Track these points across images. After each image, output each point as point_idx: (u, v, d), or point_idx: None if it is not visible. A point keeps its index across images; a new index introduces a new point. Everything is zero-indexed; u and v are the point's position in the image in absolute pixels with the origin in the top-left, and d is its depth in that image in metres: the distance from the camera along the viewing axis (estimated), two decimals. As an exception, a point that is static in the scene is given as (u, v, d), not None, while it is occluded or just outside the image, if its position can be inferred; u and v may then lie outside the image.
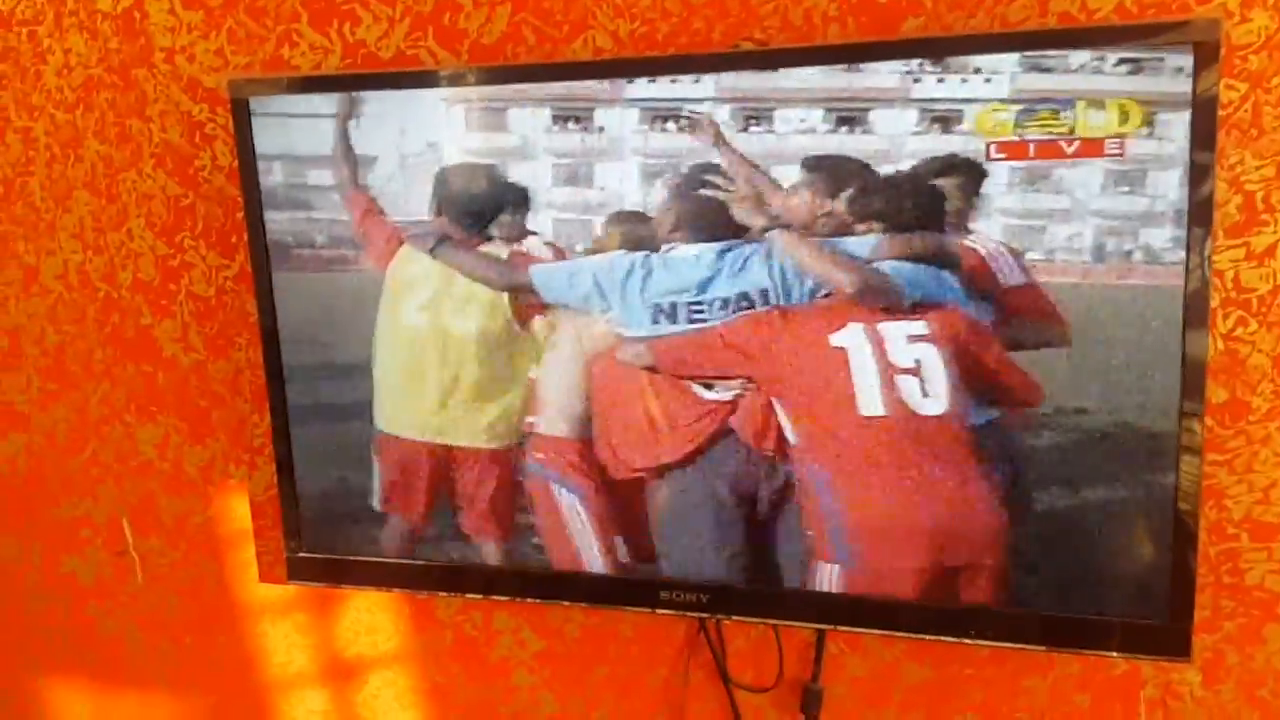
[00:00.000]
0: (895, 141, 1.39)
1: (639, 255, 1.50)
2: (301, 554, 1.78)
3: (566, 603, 1.69)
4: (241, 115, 1.63)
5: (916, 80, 1.37)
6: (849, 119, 1.41)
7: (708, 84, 1.44)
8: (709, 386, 1.53)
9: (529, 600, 1.70)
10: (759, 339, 1.48)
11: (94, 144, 1.85)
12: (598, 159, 1.50)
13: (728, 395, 1.52)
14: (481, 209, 1.57)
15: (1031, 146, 1.34)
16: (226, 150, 1.76)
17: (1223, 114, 1.32)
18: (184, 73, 1.77)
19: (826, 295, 1.44)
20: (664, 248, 1.49)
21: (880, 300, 1.43)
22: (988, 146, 1.35)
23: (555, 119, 1.51)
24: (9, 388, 2.04)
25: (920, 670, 1.68)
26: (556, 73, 1.52)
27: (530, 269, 1.56)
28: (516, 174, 1.54)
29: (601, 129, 1.49)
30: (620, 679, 1.84)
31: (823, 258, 1.44)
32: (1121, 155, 1.30)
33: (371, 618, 1.95)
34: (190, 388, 1.92)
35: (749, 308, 1.48)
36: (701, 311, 1.49)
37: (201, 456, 1.95)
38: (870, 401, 1.45)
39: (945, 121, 1.37)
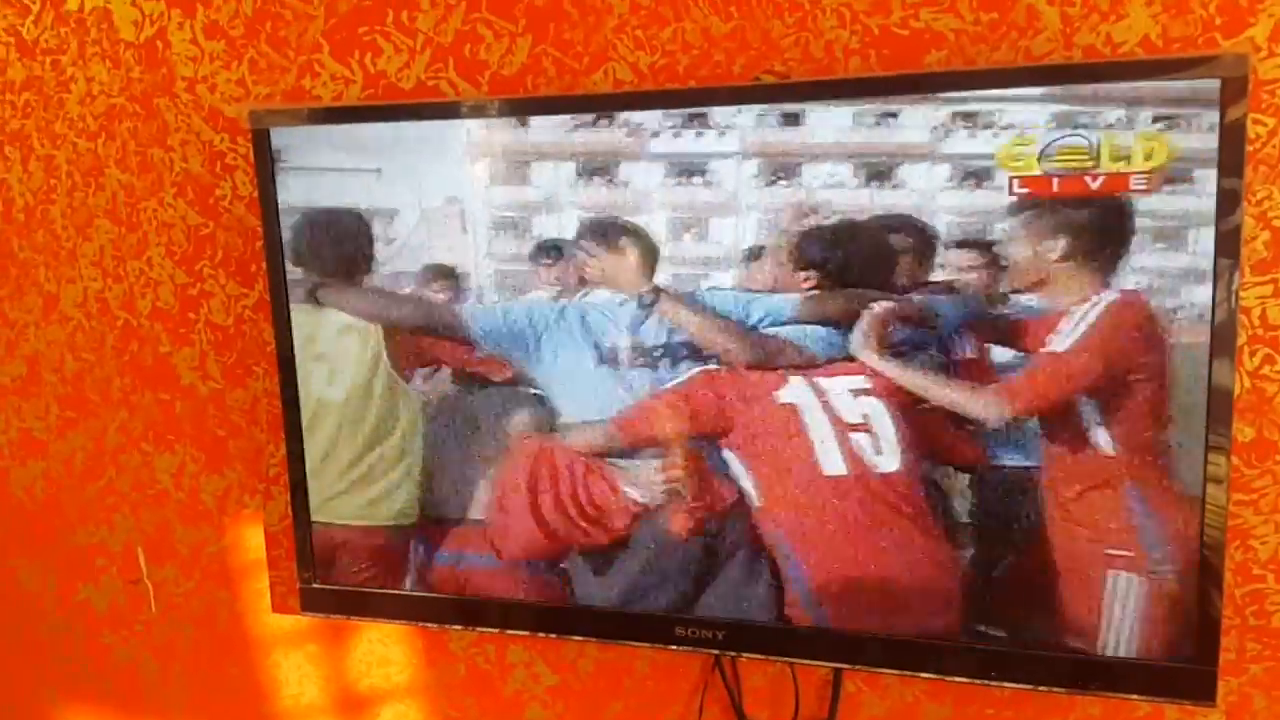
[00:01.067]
0: (926, 196, 1.38)
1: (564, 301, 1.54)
2: (315, 585, 1.77)
3: (580, 637, 1.68)
4: (262, 146, 1.63)
5: (948, 133, 1.36)
6: (880, 173, 1.40)
7: (732, 139, 1.44)
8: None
9: (543, 635, 1.68)
10: (715, 398, 1.48)
11: (115, 172, 1.86)
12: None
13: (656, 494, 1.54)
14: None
15: (1055, 181, 1.32)
16: (246, 180, 1.76)
17: (1250, 149, 1.31)
18: (205, 102, 1.78)
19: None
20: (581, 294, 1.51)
21: (784, 361, 1.43)
22: (1010, 181, 1.34)
23: (580, 173, 1.51)
24: (28, 415, 2.04)
25: (939, 710, 1.65)
26: (577, 105, 1.52)
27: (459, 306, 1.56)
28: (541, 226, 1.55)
29: (627, 183, 1.49)
30: (634, 715, 1.82)
31: (705, 324, 1.44)
32: (1147, 191, 1.29)
33: (385, 650, 1.94)
34: (208, 417, 1.91)
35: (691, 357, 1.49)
36: (647, 359, 1.49)
37: (218, 486, 1.95)
38: (830, 460, 1.45)
39: (977, 176, 1.36)
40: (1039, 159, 1.32)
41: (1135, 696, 1.44)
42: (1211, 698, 1.38)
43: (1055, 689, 1.45)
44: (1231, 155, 1.25)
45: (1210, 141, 1.25)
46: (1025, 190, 1.34)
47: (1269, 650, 1.49)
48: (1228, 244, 1.26)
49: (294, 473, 1.74)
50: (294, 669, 2.01)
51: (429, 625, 1.82)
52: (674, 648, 1.59)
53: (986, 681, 1.47)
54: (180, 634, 2.06)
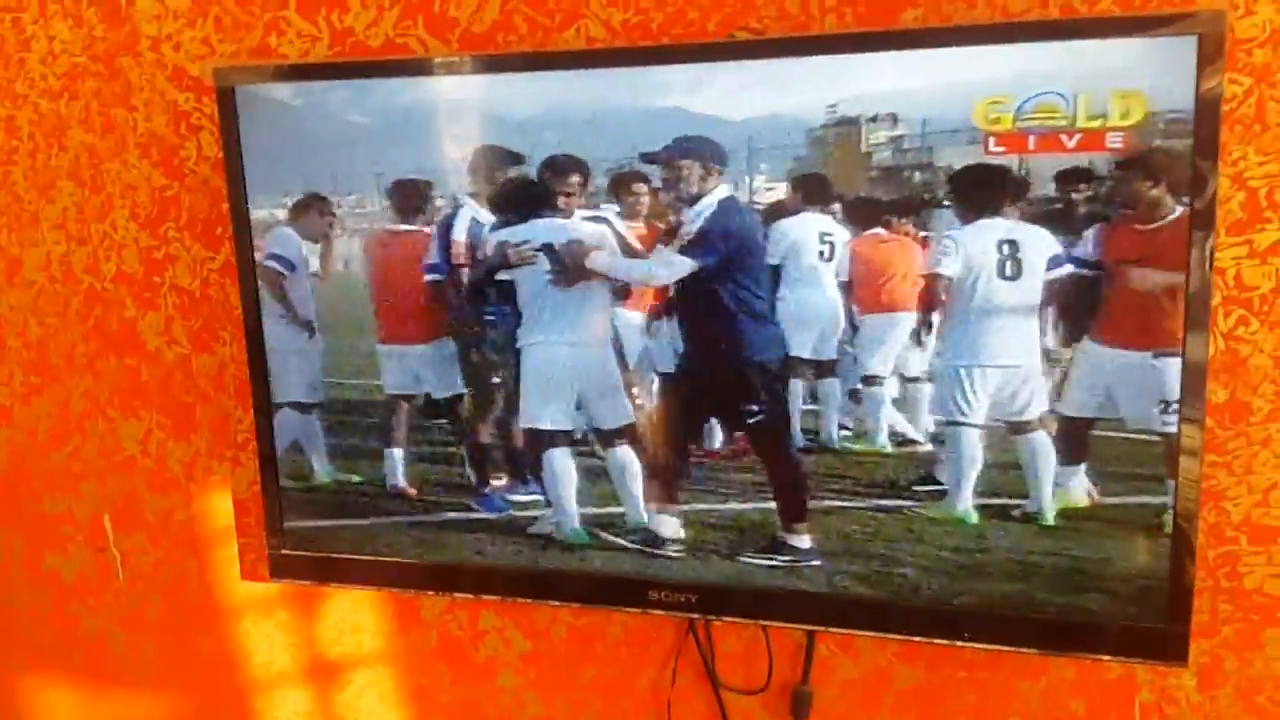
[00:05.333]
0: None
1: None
2: (284, 551, 1.75)
3: (554, 603, 1.67)
4: (227, 104, 1.60)
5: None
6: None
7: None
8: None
9: (516, 600, 1.67)
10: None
11: (78, 133, 1.83)
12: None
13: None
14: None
15: (1031, 139, 1.31)
16: (212, 140, 1.73)
17: (1226, 109, 1.30)
18: (170, 61, 1.75)
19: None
20: None
21: None
22: (986, 139, 1.32)
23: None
24: (-10, 381, 2.02)
25: (912, 673, 1.65)
26: (548, 62, 1.50)
27: None
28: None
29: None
30: (607, 680, 1.81)
31: None
32: (1123, 149, 1.28)
33: (356, 617, 1.92)
34: (174, 383, 1.89)
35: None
36: None
37: (185, 452, 1.92)
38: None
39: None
40: (1014, 117, 1.31)
41: (1108, 658, 1.44)
42: (1184, 659, 1.38)
43: (1028, 650, 1.45)
44: (1207, 113, 1.24)
45: (1186, 100, 1.24)
46: (1002, 149, 1.32)
47: (1240, 612, 1.49)
48: (1204, 211, 1.26)
49: (262, 440, 1.72)
50: (264, 637, 1.99)
51: (401, 591, 1.81)
52: (648, 612, 1.58)
53: (959, 643, 1.47)
54: (149, 603, 2.04)
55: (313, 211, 1.61)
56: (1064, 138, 1.30)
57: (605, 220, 1.51)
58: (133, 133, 1.79)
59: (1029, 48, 1.31)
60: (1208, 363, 1.32)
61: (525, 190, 1.52)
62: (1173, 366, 1.31)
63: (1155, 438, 1.35)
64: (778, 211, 1.46)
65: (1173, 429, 1.32)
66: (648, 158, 1.45)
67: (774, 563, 1.52)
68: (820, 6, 1.45)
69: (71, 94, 1.81)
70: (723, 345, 1.53)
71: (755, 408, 1.53)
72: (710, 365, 1.55)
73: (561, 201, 1.51)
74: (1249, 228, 1.36)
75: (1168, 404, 1.32)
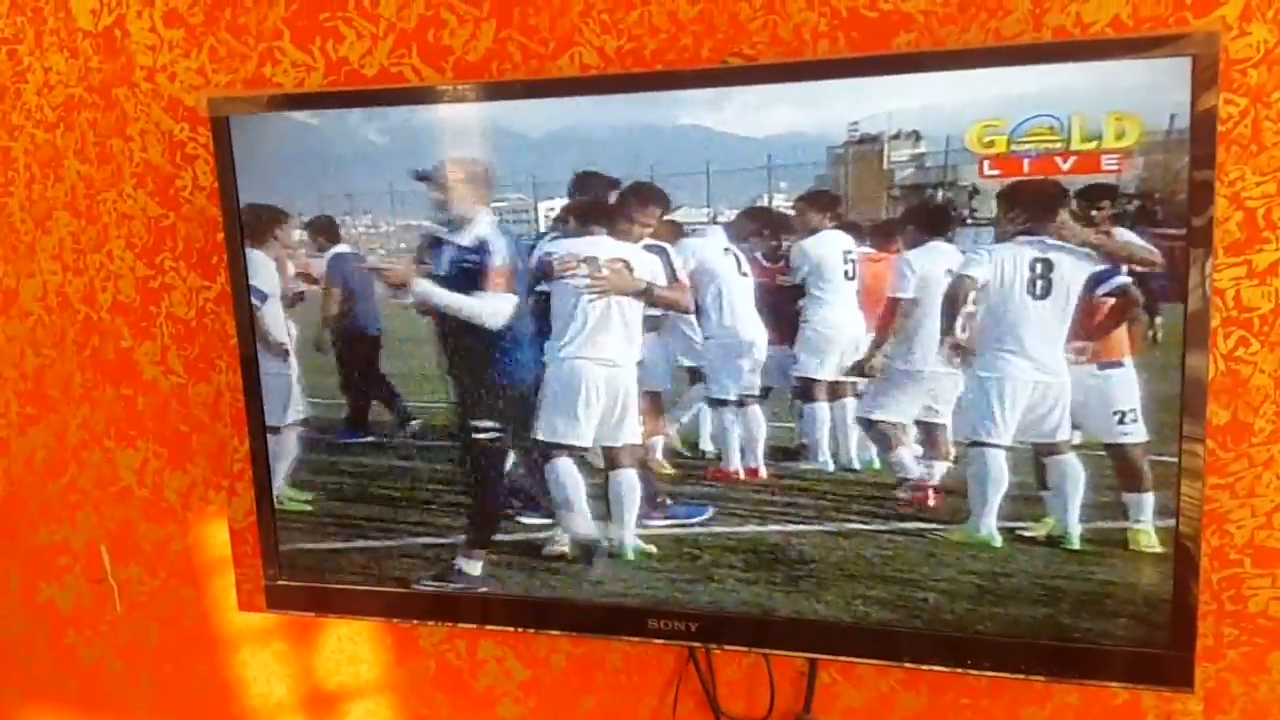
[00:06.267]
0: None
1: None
2: (281, 582, 1.74)
3: (554, 632, 1.65)
4: (222, 134, 1.60)
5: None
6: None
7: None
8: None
9: (515, 629, 1.66)
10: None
11: (74, 164, 1.82)
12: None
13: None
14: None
15: (1026, 162, 1.31)
16: (207, 170, 1.73)
17: (1222, 129, 1.29)
18: (165, 91, 1.75)
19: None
20: None
21: None
22: (980, 162, 1.32)
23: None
24: (-13, 412, 2.01)
25: (915, 700, 1.63)
26: (543, 89, 1.50)
27: None
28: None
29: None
30: (608, 709, 1.79)
31: None
32: (1119, 172, 1.27)
33: (353, 647, 1.91)
34: (170, 412, 1.88)
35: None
36: None
37: (181, 482, 1.91)
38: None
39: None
40: (1009, 140, 1.31)
41: (1112, 684, 1.42)
42: (1189, 684, 1.37)
43: (1031, 677, 1.44)
44: (1203, 134, 1.23)
45: (1182, 121, 1.24)
46: (996, 172, 1.32)
47: (1245, 636, 1.48)
48: (1201, 228, 1.25)
49: (258, 468, 1.71)
50: (262, 667, 1.98)
51: (399, 621, 1.79)
52: (648, 640, 1.56)
53: (962, 670, 1.45)
54: (145, 633, 2.02)
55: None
56: (1059, 160, 1.29)
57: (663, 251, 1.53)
58: (129, 163, 1.79)
59: (1023, 71, 1.30)
60: (1208, 384, 1.31)
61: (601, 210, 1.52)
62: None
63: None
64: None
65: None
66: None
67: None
68: (813, 32, 1.45)
69: (67, 125, 1.81)
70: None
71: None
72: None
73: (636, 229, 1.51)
74: (1247, 248, 1.36)
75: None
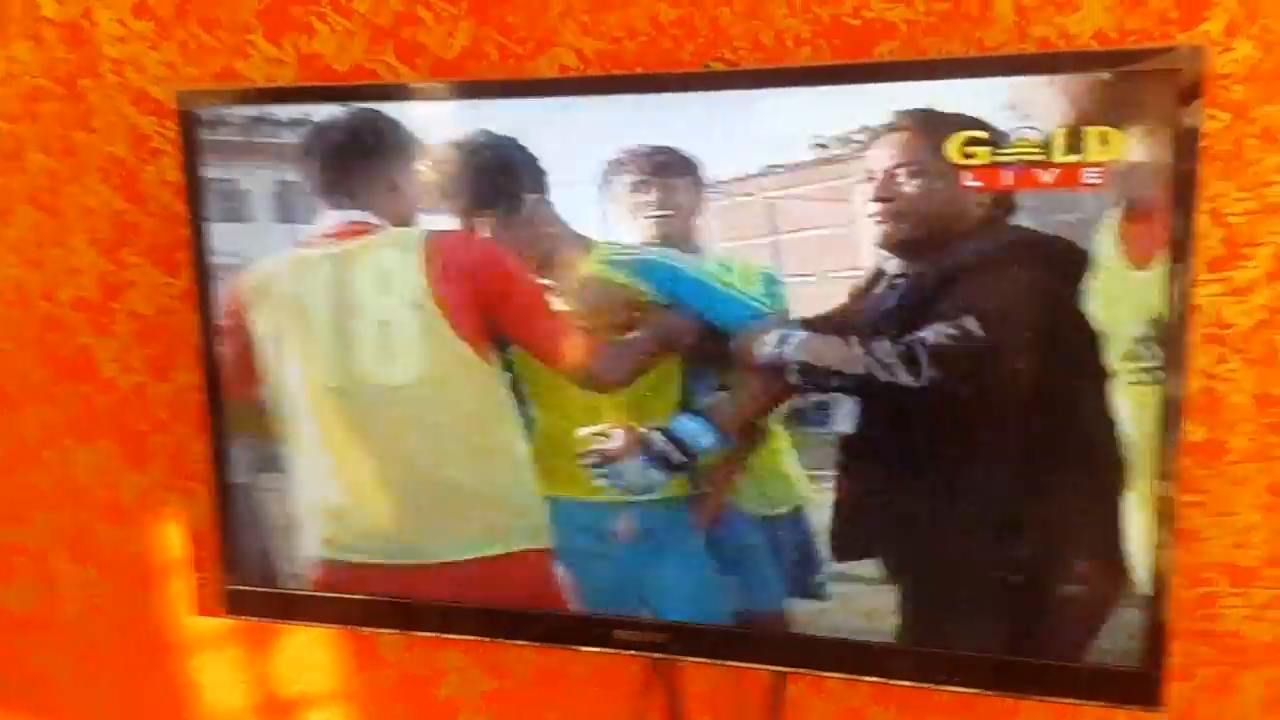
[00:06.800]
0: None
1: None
2: (240, 587, 1.70)
3: (520, 641, 1.62)
4: (189, 128, 1.56)
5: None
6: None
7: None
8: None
9: (479, 638, 1.63)
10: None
11: (37, 156, 1.79)
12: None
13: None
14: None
15: (1008, 174, 1.30)
16: (174, 165, 1.69)
17: (1205, 145, 1.28)
18: (132, 84, 1.71)
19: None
20: None
21: None
22: (960, 174, 1.31)
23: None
24: (-59, 408, 1.96)
25: (884, 714, 1.62)
26: (521, 90, 1.48)
27: None
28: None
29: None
30: (573, 721, 1.77)
31: None
32: (1101, 185, 1.26)
33: (312, 654, 1.87)
34: (129, 411, 1.84)
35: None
36: None
37: (139, 483, 1.87)
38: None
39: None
40: (991, 152, 1.29)
41: (1082, 702, 1.41)
42: (1158, 703, 1.35)
43: (1001, 693, 1.42)
44: (1187, 149, 1.23)
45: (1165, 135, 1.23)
46: (979, 183, 1.31)
47: (1216, 655, 1.47)
48: (1182, 246, 1.24)
49: (220, 471, 1.68)
50: (217, 674, 1.94)
51: (360, 629, 1.76)
52: (615, 651, 1.54)
53: (933, 685, 1.44)
54: (99, 637, 1.98)
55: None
56: (1041, 173, 1.28)
57: None
58: (93, 156, 1.75)
59: (1005, 82, 1.29)
60: (1184, 400, 1.30)
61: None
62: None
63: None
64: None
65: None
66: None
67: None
68: (795, 39, 1.44)
69: (31, 116, 1.77)
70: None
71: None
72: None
73: None
74: (1227, 264, 1.35)
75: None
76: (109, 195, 1.76)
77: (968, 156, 1.30)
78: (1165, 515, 1.30)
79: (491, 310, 1.51)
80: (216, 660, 1.93)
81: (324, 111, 1.50)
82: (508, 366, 1.52)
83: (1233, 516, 1.42)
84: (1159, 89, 1.22)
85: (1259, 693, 1.47)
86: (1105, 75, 1.25)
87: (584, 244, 1.46)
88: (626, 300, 1.46)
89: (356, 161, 1.51)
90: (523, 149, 1.43)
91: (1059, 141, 1.27)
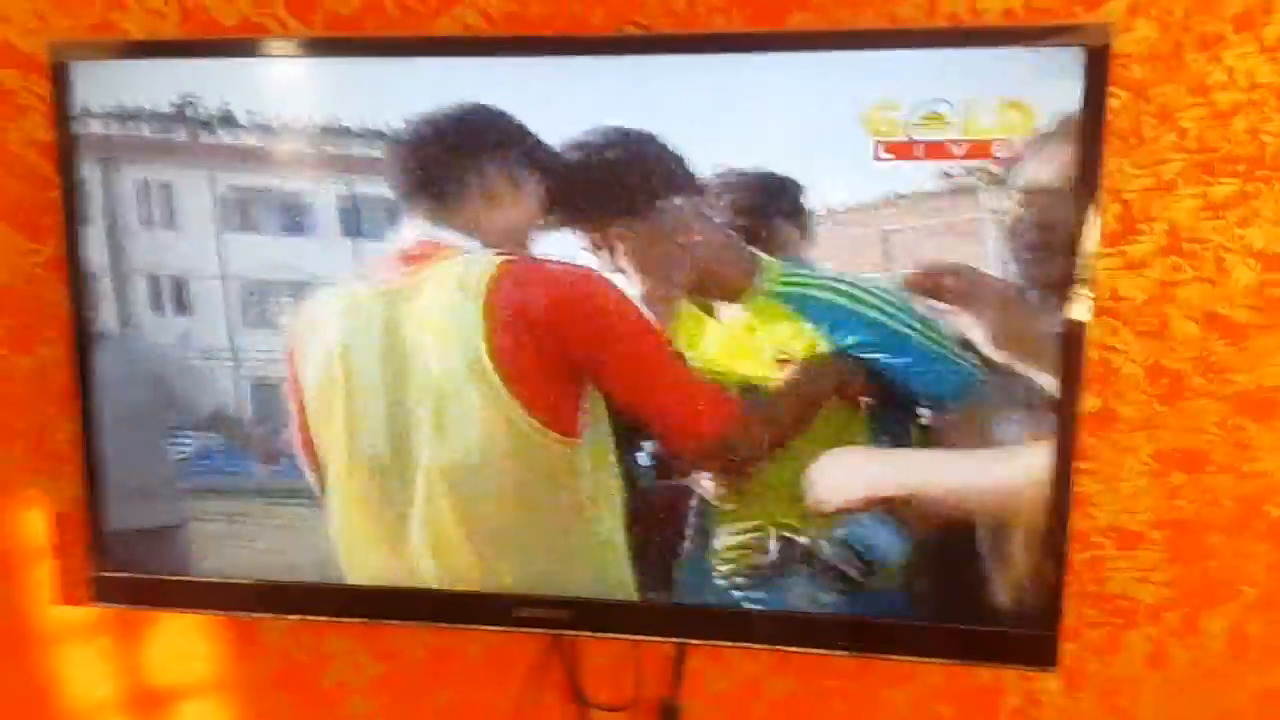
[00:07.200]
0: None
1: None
2: (108, 573, 1.61)
3: (413, 623, 1.58)
4: (61, 82, 1.47)
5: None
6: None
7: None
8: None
9: (366, 621, 1.58)
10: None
11: (-112, 113, 1.65)
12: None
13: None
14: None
15: (920, 147, 1.31)
16: (43, 123, 1.58)
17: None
18: (-4, 35, 1.59)
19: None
20: None
21: None
22: (875, 146, 1.32)
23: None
24: None
25: (783, 683, 1.63)
26: (417, 48, 1.43)
27: None
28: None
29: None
30: (466, 703, 1.73)
31: None
32: (1010, 158, 1.29)
33: (186, 642, 1.78)
34: (-13, 386, 1.72)
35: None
36: None
37: (-2, 464, 1.75)
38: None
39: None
40: (902, 126, 1.31)
41: (978, 664, 1.45)
42: (1053, 663, 1.40)
43: (898, 657, 1.46)
44: (1092, 125, 1.26)
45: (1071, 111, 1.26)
46: (890, 155, 1.32)
47: (1104, 616, 1.53)
48: (1085, 221, 1.28)
49: (88, 451, 1.58)
50: (83, 665, 1.82)
51: (236, 614, 1.68)
52: (510, 630, 1.51)
53: (832, 652, 1.46)
54: (-49, 628, 1.85)
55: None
56: (951, 146, 1.31)
57: None
58: (-50, 114, 1.63)
59: (916, 55, 1.31)
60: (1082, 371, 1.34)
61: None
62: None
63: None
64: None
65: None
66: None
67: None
68: (707, 7, 1.43)
69: (-121, 69, 1.64)
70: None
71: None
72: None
73: None
74: (1122, 239, 1.40)
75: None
76: (-33, 155, 1.64)
77: (881, 128, 1.31)
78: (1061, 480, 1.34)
79: (581, 364, 1.31)
80: (83, 651, 1.82)
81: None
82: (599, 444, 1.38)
83: (1122, 482, 1.48)
84: (1066, 65, 1.26)
85: (1144, 649, 1.54)
86: (1015, 50, 1.28)
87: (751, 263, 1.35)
88: (781, 347, 1.30)
89: (454, 162, 1.36)
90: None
91: (969, 115, 1.29)
